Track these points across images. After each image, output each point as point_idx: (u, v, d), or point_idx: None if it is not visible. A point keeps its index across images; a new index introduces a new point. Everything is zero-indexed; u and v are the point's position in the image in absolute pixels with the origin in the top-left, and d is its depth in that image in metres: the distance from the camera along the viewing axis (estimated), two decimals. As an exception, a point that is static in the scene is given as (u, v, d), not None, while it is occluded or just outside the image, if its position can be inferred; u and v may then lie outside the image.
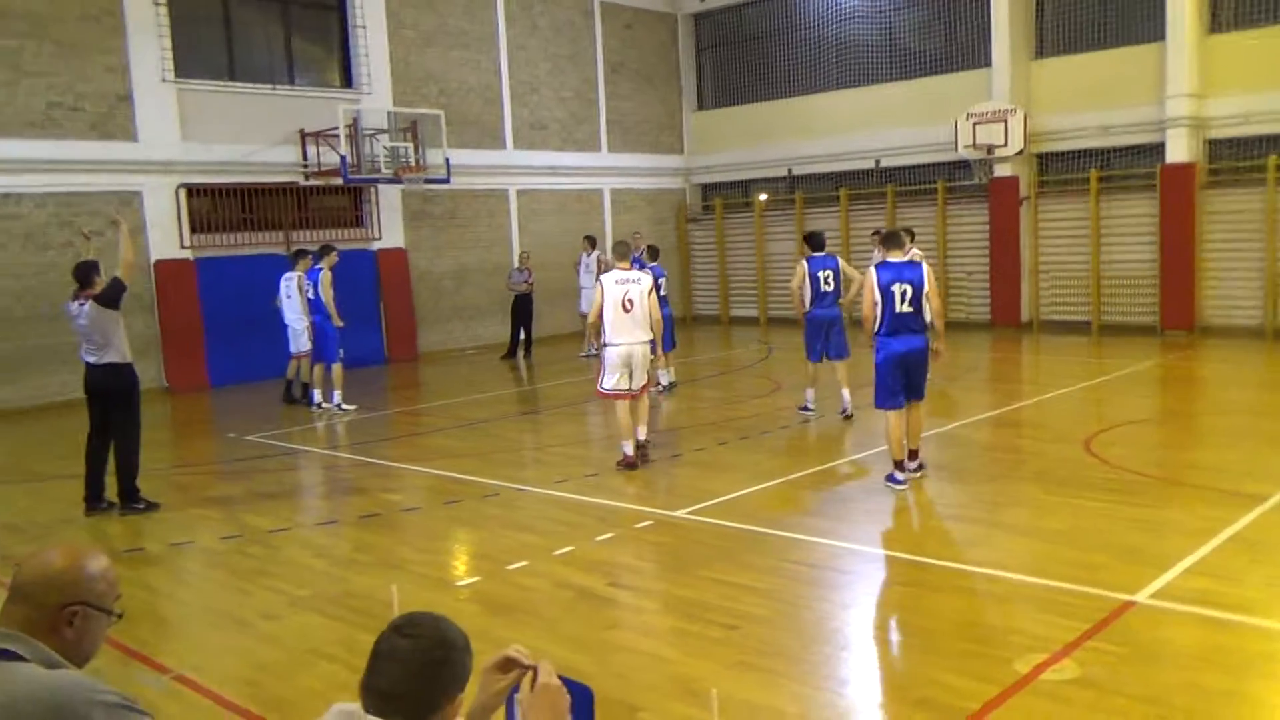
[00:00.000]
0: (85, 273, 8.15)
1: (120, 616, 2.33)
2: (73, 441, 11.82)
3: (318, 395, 13.07)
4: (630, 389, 9.15)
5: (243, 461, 10.39)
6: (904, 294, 7.97)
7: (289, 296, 13.20)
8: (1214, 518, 6.72)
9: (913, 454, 8.27)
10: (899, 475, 8.01)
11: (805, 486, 8.40)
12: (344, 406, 12.85)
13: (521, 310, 18.03)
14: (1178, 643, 4.91)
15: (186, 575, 7.00)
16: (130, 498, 8.34)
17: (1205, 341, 16.15)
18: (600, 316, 9.13)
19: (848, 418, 10.78)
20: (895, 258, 8.22)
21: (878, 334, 8.08)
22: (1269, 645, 4.90)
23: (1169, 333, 16.90)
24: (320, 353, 12.99)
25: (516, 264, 18.73)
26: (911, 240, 16.41)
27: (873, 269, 8.16)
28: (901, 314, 7.97)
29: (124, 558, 7.06)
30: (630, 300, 9.02)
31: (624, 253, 9.49)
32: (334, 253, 13.17)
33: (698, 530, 7.18)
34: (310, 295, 12.85)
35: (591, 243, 18.43)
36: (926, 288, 8.04)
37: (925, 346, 8.13)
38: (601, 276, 9.42)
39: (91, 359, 8.17)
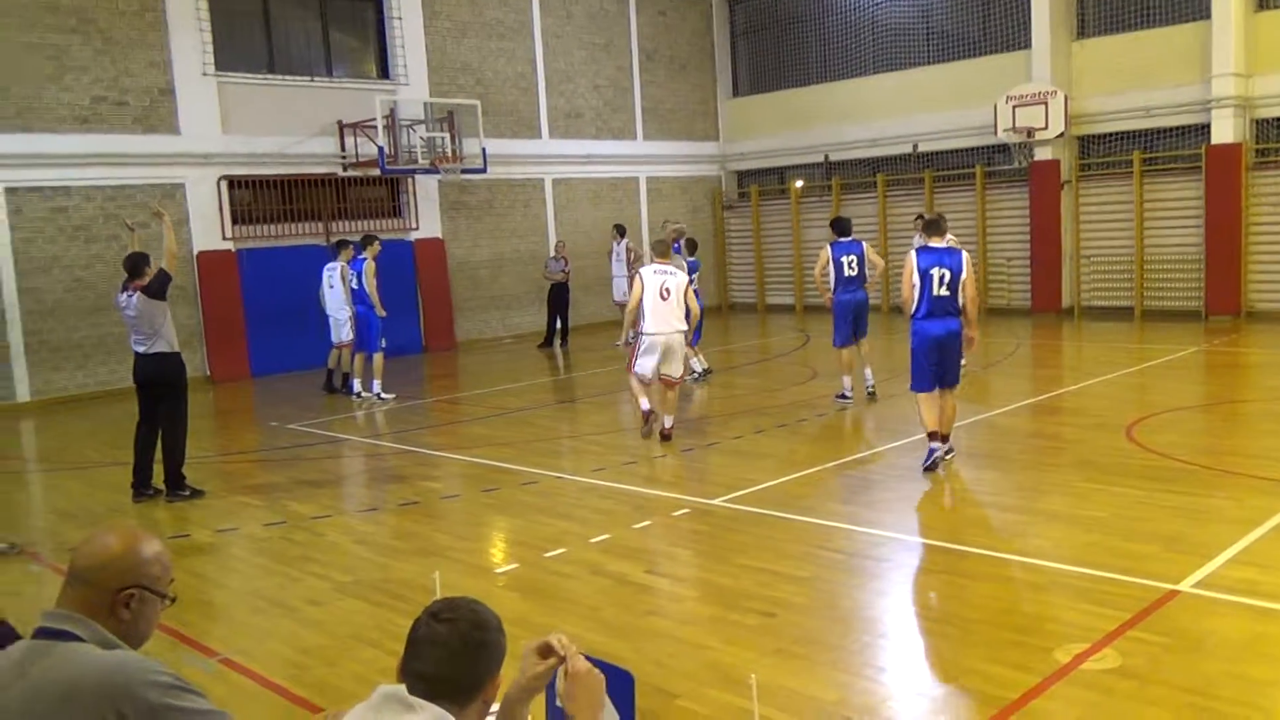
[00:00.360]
0: (135, 264, 8.33)
1: (174, 600, 2.40)
2: (121, 429, 12.05)
3: (358, 384, 13.21)
4: (667, 375, 9.46)
5: (285, 450, 10.54)
6: (942, 278, 8.05)
7: (331, 287, 13.30)
8: (1258, 506, 6.63)
9: (943, 438, 8.27)
10: (935, 445, 8.10)
11: (842, 474, 8.39)
12: (383, 395, 12.98)
13: (558, 299, 18.10)
14: (1221, 632, 4.85)
15: (232, 561, 7.13)
16: (176, 485, 8.50)
17: (1251, 327, 15.87)
18: (640, 305, 9.35)
19: (871, 395, 10.93)
20: (936, 243, 8.27)
21: (915, 316, 8.17)
22: (1315, 635, 4.83)
23: (1214, 318, 16.63)
24: (362, 342, 13.12)
25: (553, 253, 18.79)
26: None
27: (913, 253, 8.26)
28: (939, 297, 8.06)
29: (171, 544, 7.20)
30: (667, 289, 9.33)
31: (663, 250, 9.74)
32: (376, 242, 13.27)
33: (735, 518, 7.20)
34: (354, 285, 12.98)
35: (621, 231, 18.41)
36: (965, 275, 8.10)
37: (959, 331, 8.20)
38: (640, 269, 9.73)
39: (141, 349, 8.34)
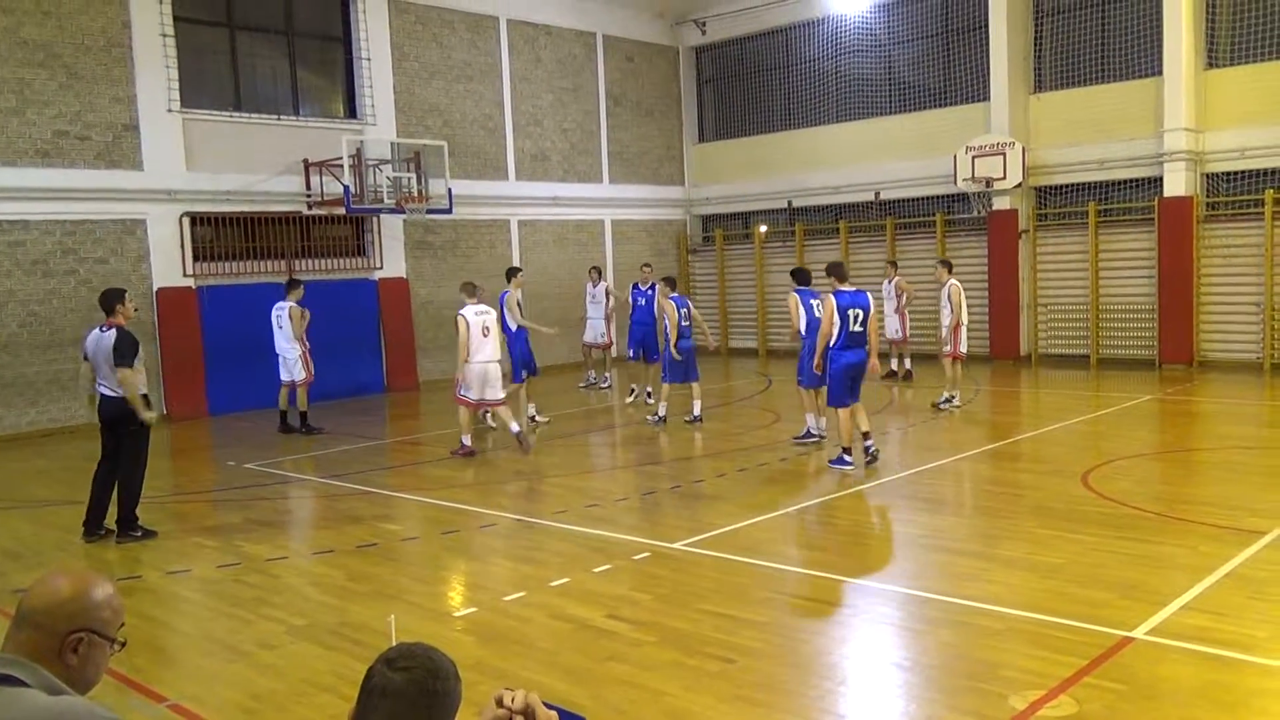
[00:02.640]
0: (109, 300, 8.30)
1: (123, 645, 2.35)
2: (73, 468, 11.83)
3: (533, 409, 13.64)
4: (494, 398, 11.54)
5: (241, 490, 10.39)
6: (856, 316, 9.92)
7: (280, 326, 13.40)
8: (1211, 554, 6.73)
9: (866, 435, 10.04)
10: (848, 458, 9.88)
11: (803, 519, 8.41)
12: (537, 418, 13.70)
13: None
14: (1175, 680, 4.90)
15: (183, 604, 7.00)
16: (128, 526, 8.36)
17: (1204, 376, 16.18)
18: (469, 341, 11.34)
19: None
20: (846, 287, 10.09)
21: (834, 348, 9.95)
22: (1267, 682, 4.89)
23: (1168, 366, 16.94)
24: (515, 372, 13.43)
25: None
26: (895, 270, 17.32)
27: (832, 295, 9.97)
28: (854, 332, 9.95)
29: (121, 586, 7.05)
30: (487, 327, 11.40)
31: (470, 290, 11.68)
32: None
33: (696, 562, 7.18)
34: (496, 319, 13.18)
35: (598, 274, 18.33)
36: (872, 313, 10.06)
37: (866, 359, 10.12)
38: (461, 310, 11.52)
39: (105, 389, 8.26)
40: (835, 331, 9.86)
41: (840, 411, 9.97)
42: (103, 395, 8.30)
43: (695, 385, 13.31)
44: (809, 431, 11.29)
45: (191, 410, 15.72)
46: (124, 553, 8.10)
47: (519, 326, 13.42)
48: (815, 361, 10.33)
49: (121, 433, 8.32)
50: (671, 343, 13.08)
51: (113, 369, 8.12)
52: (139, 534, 8.36)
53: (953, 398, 13.56)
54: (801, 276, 11.81)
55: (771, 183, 22.21)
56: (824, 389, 11.26)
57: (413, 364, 18.60)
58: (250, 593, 6.93)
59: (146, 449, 8.50)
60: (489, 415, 12.76)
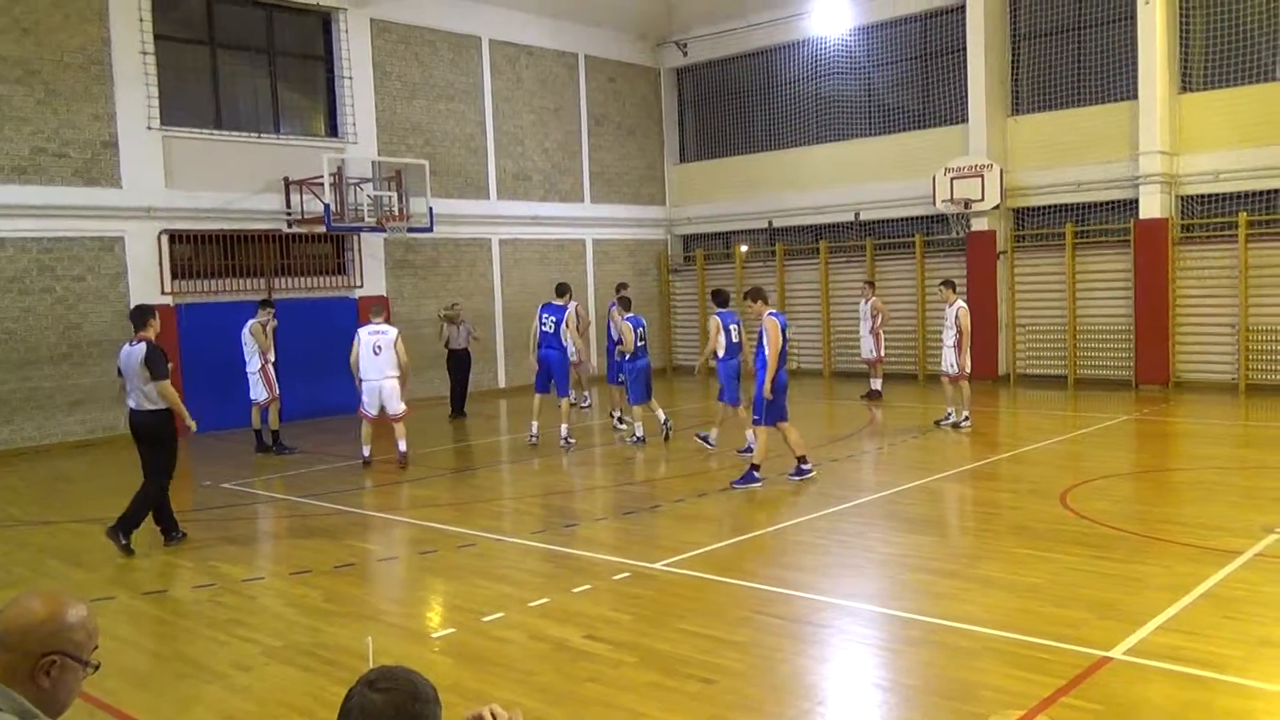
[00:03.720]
0: (141, 316, 8.66)
1: (96, 668, 2.33)
2: (47, 488, 11.73)
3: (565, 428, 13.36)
4: (394, 414, 12.03)
5: (217, 510, 10.30)
6: (787, 338, 10.55)
7: (245, 344, 13.42)
8: (1187, 573, 6.77)
9: (804, 459, 10.40)
10: (757, 475, 10.20)
11: (782, 539, 8.41)
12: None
13: (463, 365, 17.55)
14: (1152, 700, 4.92)
15: (158, 625, 6.91)
16: (124, 529, 8.44)
17: (1180, 396, 16.32)
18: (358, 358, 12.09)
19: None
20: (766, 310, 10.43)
21: (778, 368, 10.18)
22: (1241, 702, 4.92)
23: (1144, 387, 17.08)
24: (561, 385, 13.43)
25: (451, 317, 17.73)
26: (872, 290, 17.47)
27: (775, 318, 10.26)
28: (785, 353, 10.43)
29: (95, 607, 6.95)
30: (378, 346, 11.95)
31: (377, 313, 12.25)
32: (569, 294, 13.74)
33: (675, 582, 7.17)
34: (550, 330, 13.25)
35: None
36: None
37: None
38: (360, 328, 12.28)
39: (133, 403, 8.58)
40: (778, 352, 10.14)
41: (766, 430, 10.27)
42: (131, 408, 8.62)
43: (638, 408, 13.41)
44: (749, 446, 11.65)
45: (168, 429, 15.57)
46: (97, 574, 8.01)
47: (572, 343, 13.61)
48: (766, 388, 10.11)
49: (150, 444, 8.58)
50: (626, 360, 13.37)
51: (144, 382, 8.38)
52: (124, 542, 8.37)
53: (968, 417, 13.62)
54: (721, 298, 12.34)
55: (752, 203, 22.32)
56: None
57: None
58: (225, 614, 6.86)
59: (174, 464, 8.77)
60: (568, 441, 13.14)
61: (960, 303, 13.86)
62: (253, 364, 13.46)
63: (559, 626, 6.27)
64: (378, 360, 11.93)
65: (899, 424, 14.30)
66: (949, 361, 13.77)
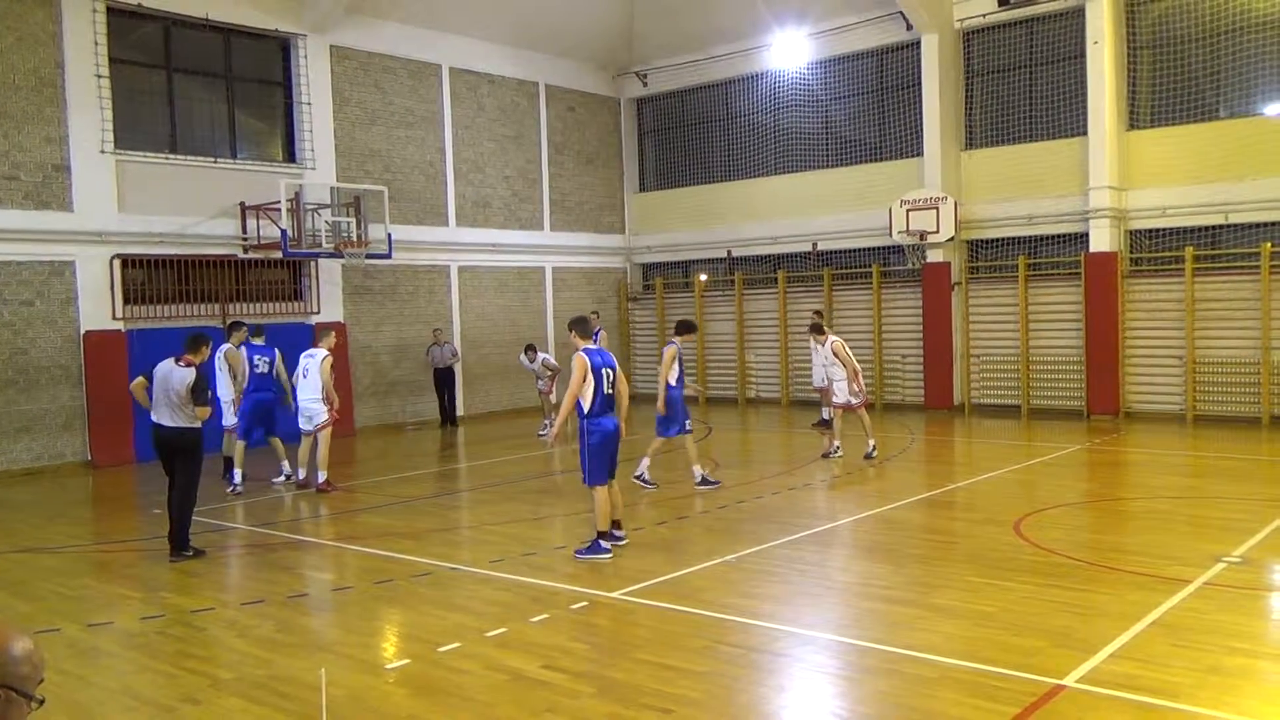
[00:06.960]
0: (196, 342, 9.40)
1: (41, 702, 2.26)
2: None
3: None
4: (317, 429, 12.35)
5: (166, 539, 10.08)
6: (609, 378, 8.54)
7: (219, 370, 12.99)
8: (1138, 601, 6.86)
9: (618, 524, 8.94)
10: (605, 545, 8.65)
11: (741, 567, 8.40)
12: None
13: (447, 381, 19.43)
14: (1104, 726, 4.96)
15: (104, 657, 6.75)
16: (182, 545, 9.04)
17: (1130, 426, 16.60)
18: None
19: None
20: (591, 345, 8.68)
21: (588, 415, 8.49)
22: (1192, 729, 4.98)
23: (1095, 417, 17.35)
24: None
25: (435, 339, 19.46)
26: (824, 320, 17.28)
27: (583, 352, 8.51)
28: (609, 395, 8.54)
29: (39, 639, 6.78)
30: (306, 370, 12.23)
31: (586, 330, 9.06)
32: (244, 328, 13.10)
33: (634, 612, 7.13)
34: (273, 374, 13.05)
35: (531, 349, 17.66)
36: (619, 373, 8.78)
37: (619, 426, 8.79)
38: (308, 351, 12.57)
39: (164, 420, 9.09)
40: (591, 394, 8.44)
41: (599, 492, 8.64)
42: (160, 425, 9.10)
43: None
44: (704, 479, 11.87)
45: (117, 457, 15.28)
46: (40, 605, 7.81)
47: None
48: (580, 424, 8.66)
49: (184, 457, 9.10)
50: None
51: (185, 403, 8.99)
52: (190, 553, 9.02)
53: (838, 447, 13.80)
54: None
55: (711, 232, 22.49)
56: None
57: (350, 409, 18.33)
58: (174, 645, 6.72)
59: (200, 474, 9.33)
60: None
61: (833, 337, 13.87)
62: (225, 391, 12.89)
63: (516, 656, 6.21)
64: (305, 382, 12.29)
65: (856, 452, 14.38)
66: (851, 392, 13.58)
